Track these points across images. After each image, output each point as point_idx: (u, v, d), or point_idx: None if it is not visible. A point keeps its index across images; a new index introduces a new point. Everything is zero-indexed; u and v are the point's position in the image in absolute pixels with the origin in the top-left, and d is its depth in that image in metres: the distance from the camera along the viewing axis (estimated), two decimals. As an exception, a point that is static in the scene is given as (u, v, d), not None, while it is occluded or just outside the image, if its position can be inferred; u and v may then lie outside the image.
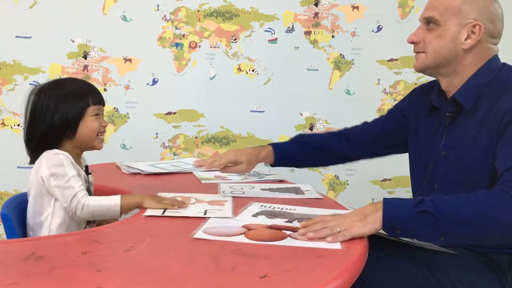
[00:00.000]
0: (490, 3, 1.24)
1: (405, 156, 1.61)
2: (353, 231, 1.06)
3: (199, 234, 1.07)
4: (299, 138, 1.59)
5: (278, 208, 1.32)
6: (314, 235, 1.05)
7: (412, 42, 1.31)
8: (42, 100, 1.28)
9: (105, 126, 1.34)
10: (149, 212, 1.21)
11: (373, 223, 1.07)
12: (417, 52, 1.31)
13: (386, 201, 1.10)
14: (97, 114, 1.31)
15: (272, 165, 1.55)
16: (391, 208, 1.08)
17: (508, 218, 1.03)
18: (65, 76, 2.37)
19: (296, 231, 1.09)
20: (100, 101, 1.34)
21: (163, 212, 1.22)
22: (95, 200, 1.24)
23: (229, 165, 1.43)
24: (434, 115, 1.36)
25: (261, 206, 1.33)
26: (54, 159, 1.25)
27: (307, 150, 1.55)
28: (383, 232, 1.12)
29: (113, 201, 1.24)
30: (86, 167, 1.37)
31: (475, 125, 1.22)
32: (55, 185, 1.23)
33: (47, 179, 1.24)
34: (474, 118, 1.23)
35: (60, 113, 1.26)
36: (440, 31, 1.25)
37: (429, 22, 1.27)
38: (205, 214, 1.21)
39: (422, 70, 1.31)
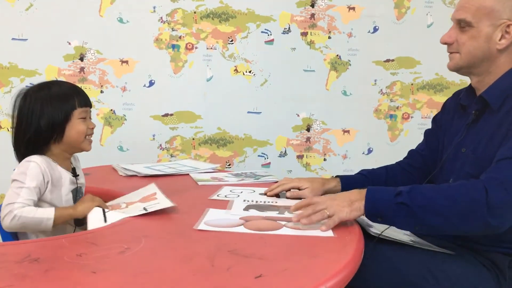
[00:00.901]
0: None
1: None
2: (341, 215, 1.13)
3: (202, 226, 1.11)
4: (363, 171, 1.58)
5: (261, 201, 1.38)
6: (308, 221, 1.12)
7: (445, 43, 1.32)
8: (28, 104, 1.27)
9: (93, 128, 1.33)
10: (92, 225, 1.18)
11: (358, 210, 1.15)
12: (451, 52, 1.32)
13: (369, 190, 1.17)
14: (83, 117, 1.30)
15: None
16: (372, 198, 1.15)
17: (476, 208, 1.06)
18: (61, 78, 2.37)
19: (290, 221, 1.16)
20: (87, 103, 1.33)
21: (105, 221, 1.19)
22: (29, 212, 1.18)
23: (294, 190, 1.46)
24: (462, 114, 1.38)
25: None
26: (23, 166, 1.24)
27: (373, 180, 1.53)
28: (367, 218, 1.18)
29: (46, 214, 1.19)
30: (74, 169, 1.35)
31: (497, 122, 1.23)
32: (11, 186, 1.23)
33: (11, 181, 1.24)
34: (497, 116, 1.24)
35: (46, 117, 1.25)
36: (474, 32, 1.25)
37: (461, 23, 1.27)
38: (146, 210, 1.22)
39: (456, 70, 1.33)
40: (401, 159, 1.62)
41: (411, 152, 1.58)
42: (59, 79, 2.37)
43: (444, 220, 1.09)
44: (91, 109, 1.36)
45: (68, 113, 1.28)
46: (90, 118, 1.34)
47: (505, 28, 1.23)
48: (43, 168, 1.25)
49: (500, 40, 1.24)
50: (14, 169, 1.28)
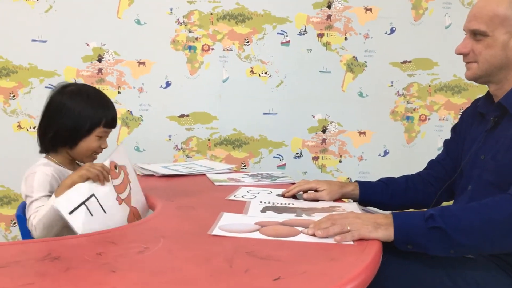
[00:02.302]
0: None
1: (419, 164, 1.61)
2: (363, 232, 1.06)
3: (216, 231, 1.09)
4: (384, 178, 1.57)
5: (277, 203, 1.37)
6: (323, 233, 1.05)
7: (461, 53, 1.31)
8: (65, 100, 1.29)
9: (104, 148, 1.35)
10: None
11: (383, 235, 1.07)
12: (468, 62, 1.31)
13: (396, 216, 1.09)
14: (101, 136, 1.32)
15: (358, 202, 1.50)
16: (402, 224, 1.08)
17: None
18: (80, 79, 2.40)
19: (307, 227, 1.10)
20: (111, 125, 1.34)
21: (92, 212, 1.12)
22: (40, 213, 1.18)
23: (311, 191, 1.46)
24: (481, 121, 1.37)
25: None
26: (29, 179, 1.26)
27: (393, 188, 1.51)
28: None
29: (51, 201, 1.17)
30: None
31: None
32: (26, 201, 1.26)
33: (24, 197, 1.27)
34: None
35: (73, 120, 1.28)
36: (489, 41, 1.24)
37: (475, 33, 1.26)
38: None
39: (474, 79, 1.32)
40: (418, 161, 1.61)
41: (431, 163, 1.56)
42: (78, 80, 2.40)
43: (482, 240, 1.06)
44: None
45: (92, 127, 1.30)
46: (106, 138, 1.36)
47: None
48: (50, 175, 1.26)
49: None
50: (40, 153, 1.33)
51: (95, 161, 1.34)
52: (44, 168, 1.27)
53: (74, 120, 1.27)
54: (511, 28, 1.22)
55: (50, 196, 1.24)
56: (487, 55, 1.25)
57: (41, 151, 1.33)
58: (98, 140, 1.31)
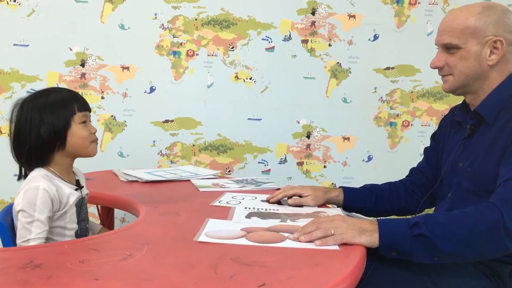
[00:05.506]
0: (504, 15, 1.25)
1: (402, 170, 1.63)
2: (346, 236, 1.06)
3: (202, 237, 1.08)
4: (367, 185, 1.58)
5: (262, 209, 1.37)
6: (306, 238, 1.06)
7: (436, 67, 1.33)
8: (25, 112, 1.23)
9: (95, 132, 1.31)
10: None
11: (367, 240, 1.08)
12: (443, 75, 1.33)
13: (381, 223, 1.10)
14: (84, 122, 1.28)
15: (342, 208, 1.51)
16: (387, 231, 1.09)
17: (495, 233, 1.06)
18: (62, 84, 2.38)
19: (292, 232, 1.10)
20: (86, 107, 1.30)
21: None
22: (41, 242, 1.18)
23: (296, 197, 1.46)
24: (458, 130, 1.39)
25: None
26: (30, 194, 1.19)
27: (377, 195, 1.52)
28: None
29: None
30: (78, 181, 1.33)
31: (493, 135, 1.24)
32: (19, 219, 1.20)
33: (17, 210, 1.21)
34: (493, 129, 1.25)
35: (46, 124, 1.22)
36: (463, 53, 1.26)
37: (448, 47, 1.28)
38: None
39: (451, 91, 1.34)
40: (401, 166, 1.62)
41: (412, 170, 1.58)
42: (60, 85, 2.37)
43: (466, 248, 1.08)
44: (91, 114, 1.34)
45: (68, 119, 1.25)
46: (90, 121, 1.32)
47: (492, 44, 1.25)
48: (52, 193, 1.22)
49: (490, 56, 1.25)
50: (19, 180, 1.26)
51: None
52: (46, 184, 1.21)
53: (47, 123, 1.22)
54: (482, 38, 1.24)
55: (49, 218, 1.21)
56: (462, 67, 1.27)
57: (24, 174, 1.27)
58: (84, 127, 1.27)
